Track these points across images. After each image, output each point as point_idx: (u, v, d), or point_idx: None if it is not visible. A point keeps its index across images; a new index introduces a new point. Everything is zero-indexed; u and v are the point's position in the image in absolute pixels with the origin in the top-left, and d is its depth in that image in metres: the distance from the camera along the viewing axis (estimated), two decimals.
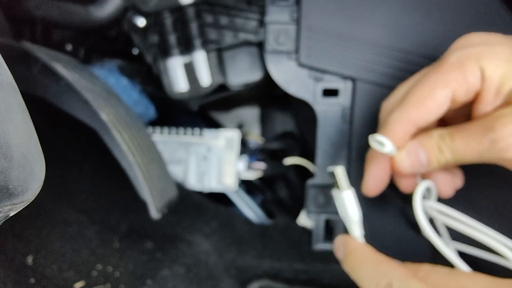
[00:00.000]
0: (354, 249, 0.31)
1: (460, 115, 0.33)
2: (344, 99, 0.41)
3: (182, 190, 0.46)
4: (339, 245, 0.32)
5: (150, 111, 0.53)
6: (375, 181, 0.34)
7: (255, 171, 0.51)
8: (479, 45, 0.28)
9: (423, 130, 0.32)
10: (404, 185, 0.35)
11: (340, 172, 0.32)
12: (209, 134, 0.50)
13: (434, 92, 0.29)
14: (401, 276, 0.26)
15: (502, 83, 0.27)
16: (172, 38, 0.45)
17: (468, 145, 0.29)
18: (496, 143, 0.27)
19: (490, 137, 0.27)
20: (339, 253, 0.32)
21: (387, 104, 0.34)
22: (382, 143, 0.31)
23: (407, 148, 0.31)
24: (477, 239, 0.29)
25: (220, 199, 0.53)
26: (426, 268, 0.27)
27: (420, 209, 0.31)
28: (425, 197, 0.33)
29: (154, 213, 0.36)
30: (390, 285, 0.26)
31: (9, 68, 0.21)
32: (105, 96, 0.37)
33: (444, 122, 0.34)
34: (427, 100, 0.29)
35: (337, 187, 0.33)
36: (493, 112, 0.28)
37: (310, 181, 0.42)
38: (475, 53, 0.28)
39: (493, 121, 0.27)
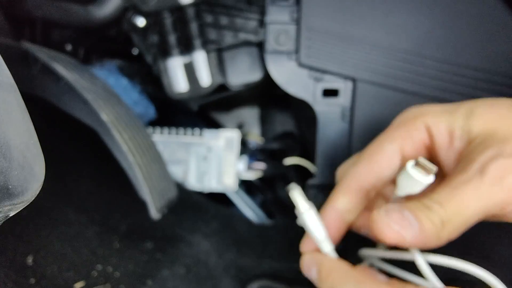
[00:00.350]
0: (330, 268, 0.28)
1: None
2: (344, 99, 0.41)
3: (182, 190, 0.46)
4: (309, 265, 0.30)
5: (150, 111, 0.53)
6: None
7: (255, 171, 0.51)
8: (419, 108, 0.30)
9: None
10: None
11: (295, 194, 0.30)
12: (209, 134, 0.50)
13: (382, 146, 0.30)
14: None
15: (451, 129, 0.28)
16: (172, 38, 0.45)
17: (458, 190, 0.25)
18: (485, 169, 0.24)
19: (475, 167, 0.25)
20: (312, 273, 0.29)
21: (341, 168, 0.34)
22: (431, 169, 0.25)
23: (386, 208, 0.26)
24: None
25: (220, 199, 0.53)
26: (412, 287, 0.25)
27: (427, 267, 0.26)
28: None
29: (154, 213, 0.36)
30: None
31: (9, 68, 0.21)
32: (105, 96, 0.37)
33: None
34: (376, 154, 0.30)
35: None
36: (464, 151, 0.27)
37: (310, 181, 0.42)
38: (417, 112, 0.30)
39: (469, 155, 0.26)
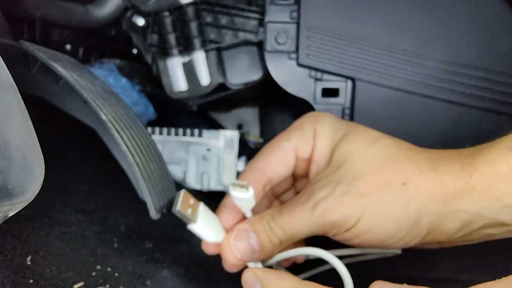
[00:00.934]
0: (276, 285, 0.28)
1: None
2: (344, 99, 0.41)
3: None
4: (252, 284, 0.29)
5: (150, 111, 0.53)
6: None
7: None
8: (317, 114, 0.34)
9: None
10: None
11: (177, 211, 0.30)
12: (208, 134, 0.50)
13: (279, 144, 0.33)
14: None
15: (325, 147, 0.31)
16: (172, 38, 0.45)
17: (295, 217, 0.29)
18: (317, 205, 0.28)
19: (312, 201, 0.28)
20: None
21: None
22: (244, 186, 0.29)
23: (236, 232, 0.30)
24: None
25: (220, 199, 0.52)
26: None
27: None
28: None
29: (154, 213, 0.36)
30: None
31: (8, 68, 0.21)
32: (105, 95, 0.37)
33: None
34: (273, 151, 0.33)
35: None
36: (318, 174, 0.30)
37: None
38: (313, 118, 0.33)
39: (313, 185, 0.29)
